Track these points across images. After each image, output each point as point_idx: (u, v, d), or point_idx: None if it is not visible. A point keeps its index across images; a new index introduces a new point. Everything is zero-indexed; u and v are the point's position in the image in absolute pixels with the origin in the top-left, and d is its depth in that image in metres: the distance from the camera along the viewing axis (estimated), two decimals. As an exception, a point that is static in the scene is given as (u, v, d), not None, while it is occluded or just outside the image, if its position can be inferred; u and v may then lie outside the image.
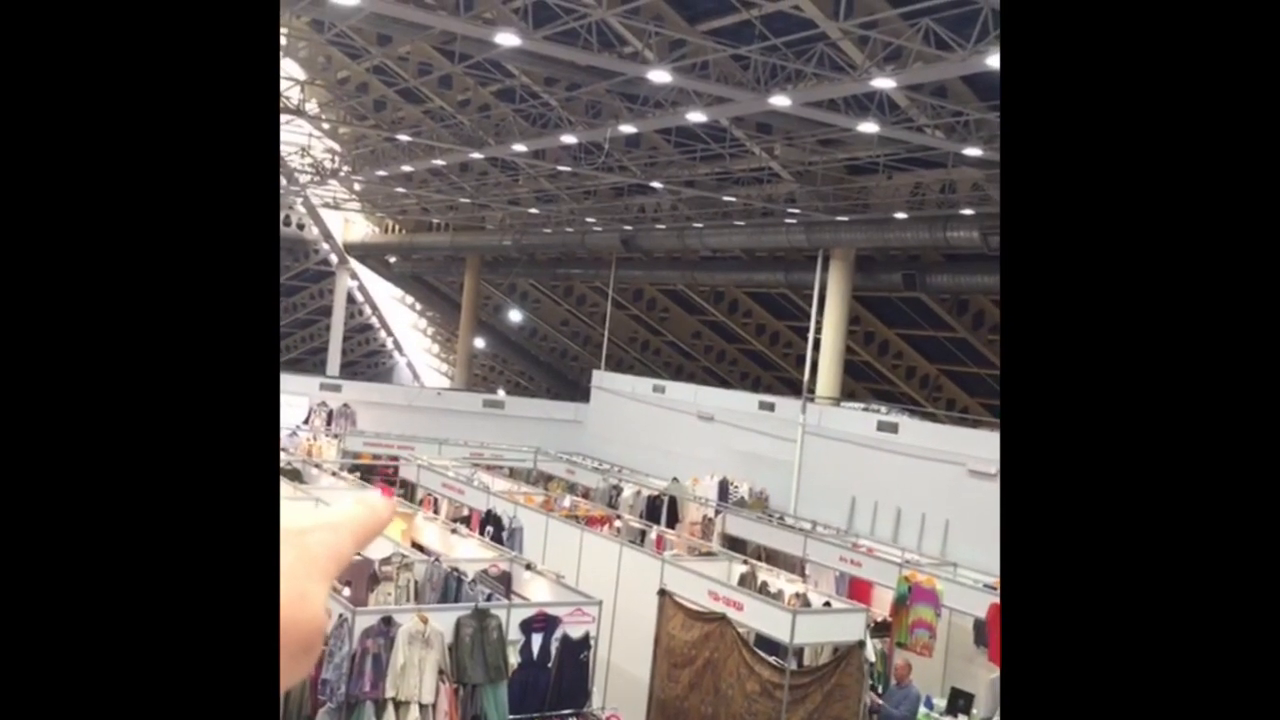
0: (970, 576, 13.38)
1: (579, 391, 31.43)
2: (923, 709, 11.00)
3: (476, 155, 21.89)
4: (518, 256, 33.87)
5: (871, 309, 27.31)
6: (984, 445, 17.56)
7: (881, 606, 12.88)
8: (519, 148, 19.57)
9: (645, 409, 25.24)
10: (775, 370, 33.02)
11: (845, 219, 20.65)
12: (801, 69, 13.03)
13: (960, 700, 11.41)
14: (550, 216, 27.97)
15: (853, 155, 18.56)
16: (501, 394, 35.04)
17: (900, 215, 19.43)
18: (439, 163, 24.05)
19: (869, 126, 14.68)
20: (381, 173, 25.98)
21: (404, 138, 21.73)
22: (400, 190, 29.12)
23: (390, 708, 7.81)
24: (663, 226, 25.54)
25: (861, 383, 29.61)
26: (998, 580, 12.94)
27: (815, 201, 20.38)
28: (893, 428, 18.91)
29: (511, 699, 8.39)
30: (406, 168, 24.61)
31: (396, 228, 37.94)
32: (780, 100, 13.48)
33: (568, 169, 21.19)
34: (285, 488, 14.04)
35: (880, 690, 11.13)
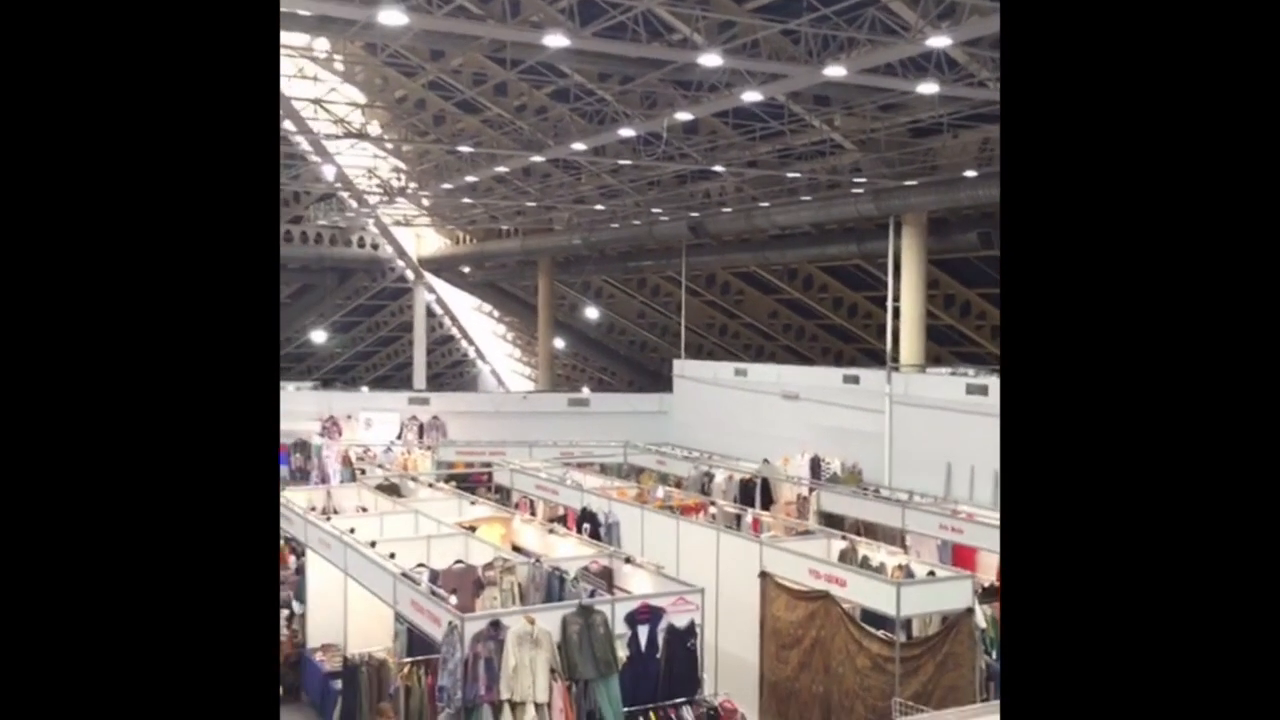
0: (1077, 533, 13.08)
1: (661, 382, 31.48)
2: (1039, 671, 10.80)
3: (538, 158, 22.06)
4: (588, 254, 34.04)
5: (949, 271, 26.82)
6: (1079, 398, 17.15)
7: (988, 572, 12.67)
8: (579, 146, 19.67)
9: (729, 393, 25.18)
10: (857, 343, 32.64)
11: (914, 183, 20.31)
12: (854, 36, 12.84)
13: (1078, 660, 11.16)
14: (616, 211, 28.05)
15: (915, 118, 18.23)
16: (586, 392, 35.28)
17: (970, 173, 19.03)
18: (502, 169, 24.30)
19: (929, 87, 14.41)
20: (447, 185, 26.34)
21: (465, 149, 22.00)
22: (467, 200, 29.49)
23: (507, 709, 7.94)
24: (729, 209, 25.42)
25: (946, 347, 29.11)
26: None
27: (881, 169, 20.08)
28: (983, 389, 18.55)
29: (624, 691, 8.46)
30: (471, 178, 24.92)
31: (467, 238, 38.43)
32: (835, 70, 13.31)
33: (629, 162, 21.22)
34: (385, 503, 14.36)
35: (995, 655, 10.97)
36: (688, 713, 8.56)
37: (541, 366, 37.47)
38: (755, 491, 18.03)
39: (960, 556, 13.53)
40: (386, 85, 23.74)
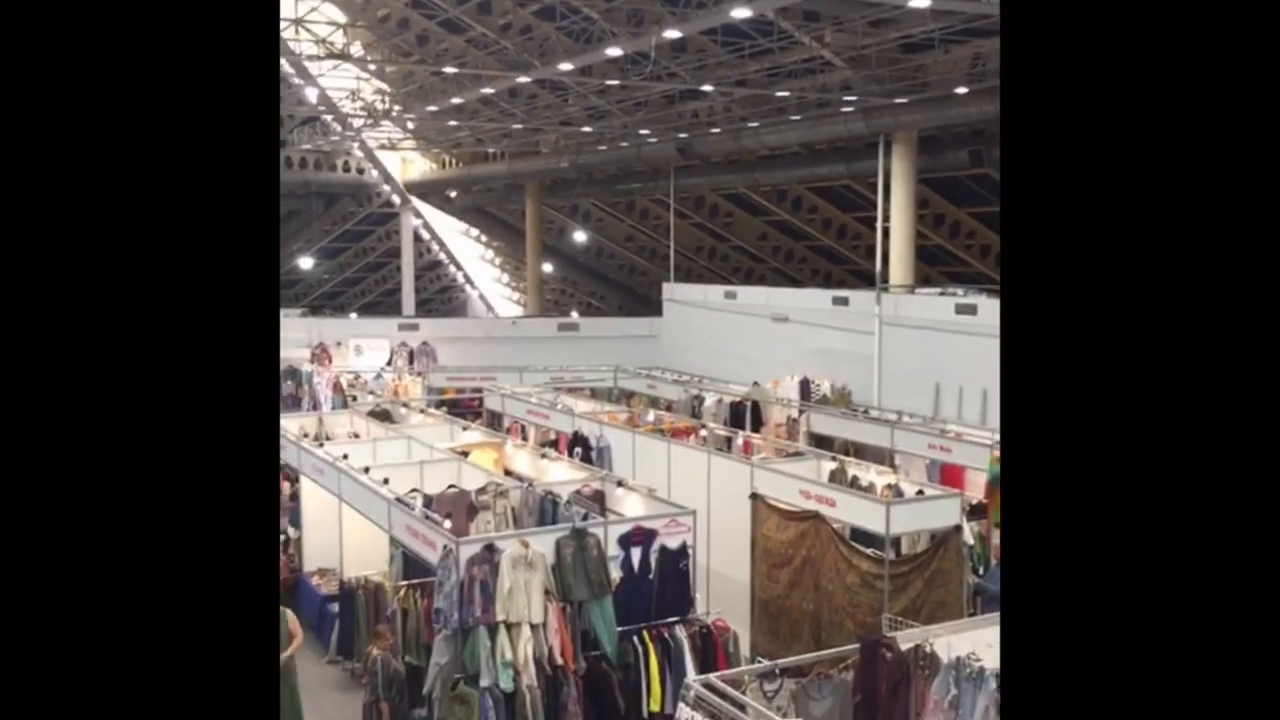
0: (1064, 451, 13.21)
1: (651, 306, 31.45)
2: (1026, 587, 10.99)
3: (524, 79, 21.67)
4: (576, 177, 33.68)
5: (939, 190, 26.64)
6: (1068, 318, 17.18)
7: (975, 490, 12.84)
8: (565, 66, 19.31)
9: (719, 316, 25.17)
10: (846, 264, 32.56)
11: (904, 100, 20.04)
12: (846, -51, 12.55)
13: (1063, 575, 11.36)
14: (604, 133, 27.67)
15: (906, 33, 17.90)
16: (575, 316, 35.22)
17: (961, 90, 18.78)
18: (487, 91, 23.88)
19: (920, 1, 14.13)
20: (432, 107, 25.91)
21: (450, 69, 21.58)
22: (453, 123, 29.04)
23: (503, 630, 8.06)
24: (718, 130, 25.10)
25: (936, 267, 29.06)
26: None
27: (871, 86, 19.79)
28: (971, 309, 18.57)
29: (617, 611, 8.59)
30: (456, 100, 24.50)
31: (453, 162, 37.96)
32: (826, -15, 13.02)
33: (616, 82, 20.87)
34: (377, 428, 14.39)
35: (981, 572, 11.15)
36: (680, 631, 8.71)
37: (530, 291, 37.34)
38: (745, 414, 18.13)
39: (948, 475, 13.68)
40: (369, 4, 23.18)
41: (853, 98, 20.42)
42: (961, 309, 18.77)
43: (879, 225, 22.17)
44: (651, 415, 16.95)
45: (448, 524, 9.14)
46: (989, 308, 18.73)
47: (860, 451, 15.01)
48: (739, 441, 14.90)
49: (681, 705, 5.72)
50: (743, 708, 5.59)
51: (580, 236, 40.43)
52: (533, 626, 8.15)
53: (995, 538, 11.71)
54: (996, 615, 7.59)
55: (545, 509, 10.00)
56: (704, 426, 16.02)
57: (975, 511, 12.08)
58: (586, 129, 27.17)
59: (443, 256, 45.54)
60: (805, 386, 19.99)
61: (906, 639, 6.49)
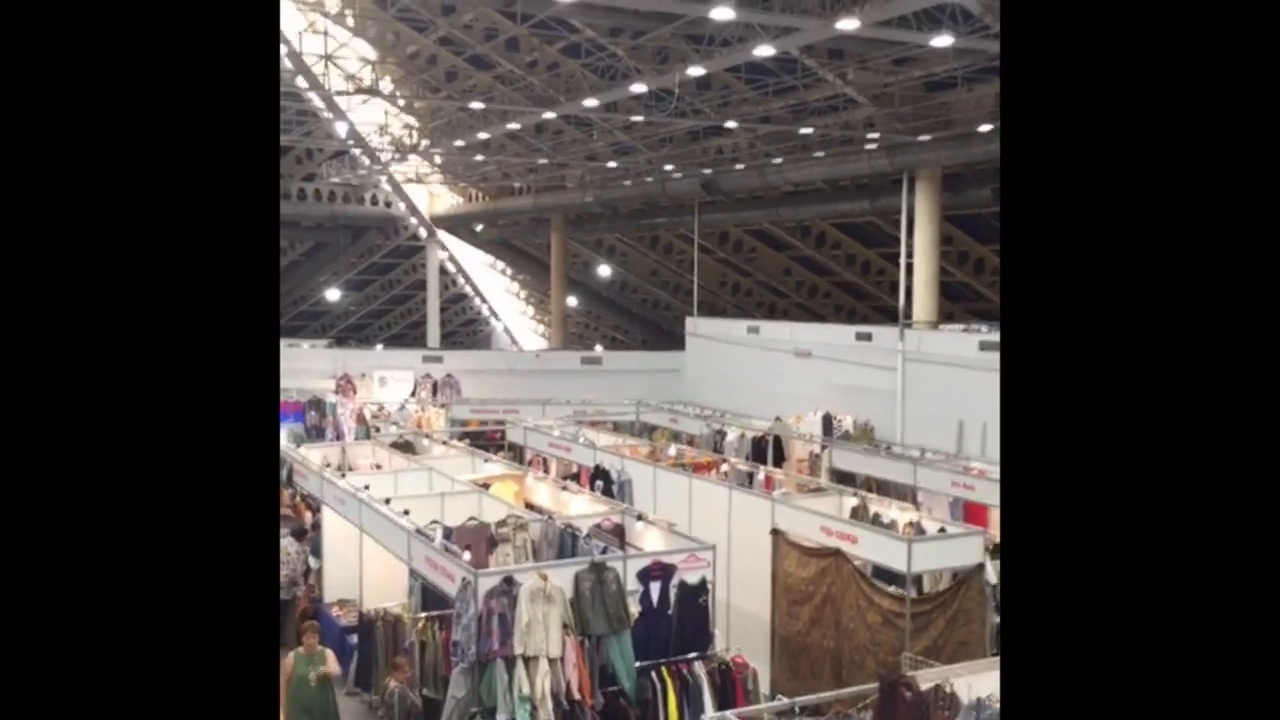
0: (1089, 490, 13.09)
1: (674, 340, 31.47)
2: (1050, 627, 10.87)
3: (550, 115, 21.89)
4: (601, 211, 33.90)
5: (963, 227, 26.61)
6: (1093, 355, 17.07)
7: (999, 528, 12.71)
8: (591, 102, 19.51)
9: (742, 351, 25.16)
10: (870, 300, 32.51)
11: (927, 138, 20.09)
12: (868, -11, 12.66)
13: (1088, 616, 11.23)
14: (629, 168, 27.87)
15: (929, 71, 18.00)
16: (599, 350, 35.31)
17: (985, 128, 18.80)
18: (514, 126, 24.13)
19: (943, 40, 14.21)
20: (459, 142, 26.21)
21: (477, 105, 21.85)
22: (479, 158, 29.35)
23: (520, 663, 8.03)
24: (742, 166, 25.23)
25: (960, 303, 28.97)
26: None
27: (895, 124, 19.87)
28: (995, 346, 18.47)
29: (636, 647, 8.55)
30: (483, 134, 24.77)
31: (480, 195, 38.30)
32: (848, 23, 13.12)
33: (641, 118, 21.05)
34: (399, 460, 14.46)
35: (1004, 612, 11.03)
36: (699, 667, 8.65)
37: (554, 324, 37.48)
38: (767, 449, 18.07)
39: (971, 513, 13.57)
40: (398, 41, 23.54)
41: (876, 135, 20.50)
42: (985, 346, 18.68)
43: (902, 261, 22.15)
44: (673, 449, 16.94)
45: (467, 556, 9.15)
46: (1013, 345, 18.62)
47: (883, 488, 14.93)
48: (760, 477, 14.85)
49: (697, 742, 5.68)
50: (759, 745, 5.55)
51: (604, 270, 40.60)
52: (550, 661, 8.12)
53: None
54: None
55: (565, 542, 9.99)
56: (725, 461, 15.99)
57: (999, 550, 11.97)
58: (611, 164, 27.39)
59: (468, 289, 45.85)
60: (828, 422, 19.93)
61: (926, 679, 6.43)
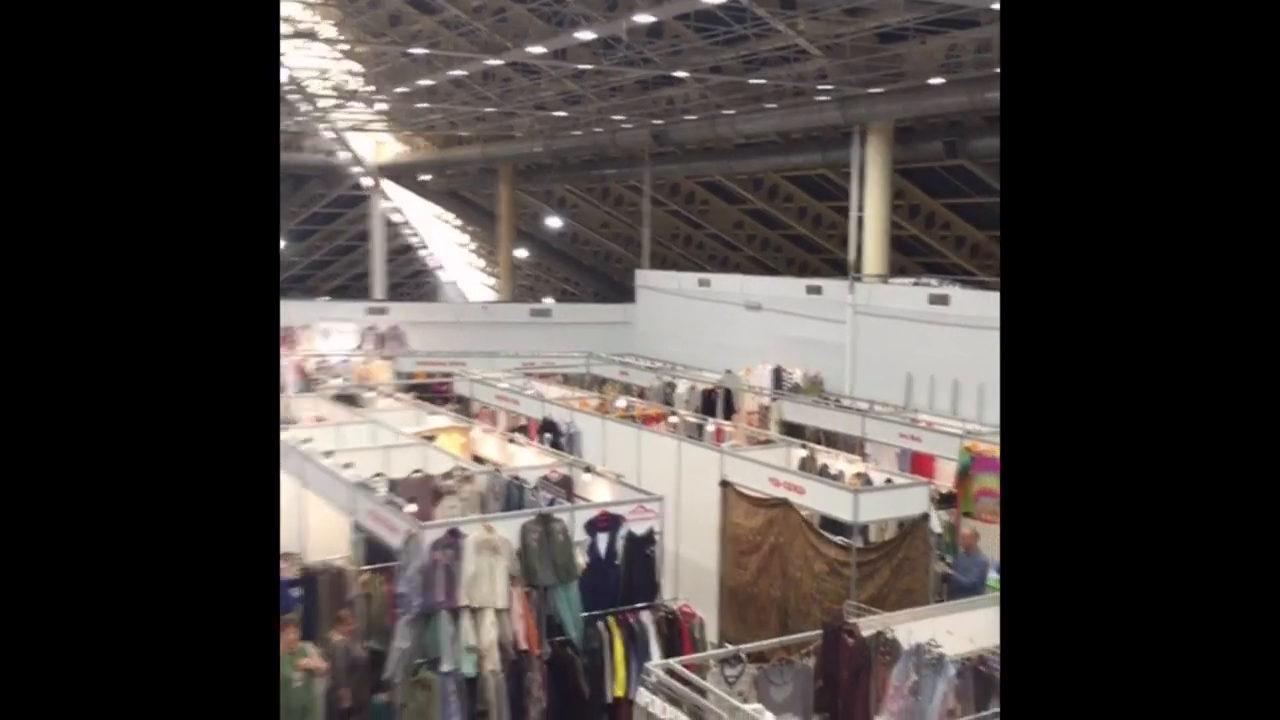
0: (1032, 441, 13.25)
1: (625, 293, 31.32)
2: (992, 574, 11.03)
3: (496, 61, 21.50)
4: (550, 162, 33.50)
5: (914, 181, 26.68)
6: (1038, 308, 17.24)
7: (945, 479, 12.85)
8: (538, 49, 19.15)
9: (693, 304, 25.11)
10: (821, 253, 32.59)
11: (880, 90, 20.02)
12: (821, -66, 12.48)
13: (1029, 564, 11.41)
14: (578, 118, 27.52)
15: (882, 22, 17.88)
16: (548, 302, 35.08)
17: (936, 81, 18.77)
18: (460, 73, 23.68)
19: (897, -11, 14.10)
20: (403, 89, 25.66)
21: (422, 50, 21.35)
22: (424, 105, 28.79)
23: (466, 615, 7.97)
24: (693, 117, 25.01)
25: (911, 257, 29.14)
26: (1060, 442, 12.82)
27: (847, 75, 19.75)
28: (944, 300, 18.61)
29: (583, 597, 8.52)
30: (428, 81, 24.28)
31: (426, 145, 37.65)
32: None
33: (590, 67, 20.72)
34: (342, 413, 14.24)
35: (949, 560, 11.17)
36: (646, 617, 8.64)
37: (503, 276, 37.14)
38: (717, 401, 18.09)
39: (918, 464, 13.70)
40: (339, -17, 22.92)
41: (828, 87, 20.38)
42: (935, 299, 18.80)
43: (853, 215, 22.16)
44: (623, 402, 16.88)
45: (412, 508, 9.03)
46: (962, 299, 18.78)
47: (831, 440, 15.00)
48: (710, 429, 14.85)
49: (641, 690, 5.67)
50: (703, 692, 5.55)
51: (555, 222, 40.25)
52: (497, 612, 8.07)
53: (964, 526, 11.74)
54: (957, 603, 7.60)
55: (511, 494, 9.91)
56: (675, 413, 15.97)
57: (944, 500, 12.10)
58: (561, 113, 27.02)
59: (415, 240, 45.23)
60: (778, 374, 19.98)
61: (868, 626, 6.46)
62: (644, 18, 16.58)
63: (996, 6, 14.69)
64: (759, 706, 5.53)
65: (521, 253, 39.70)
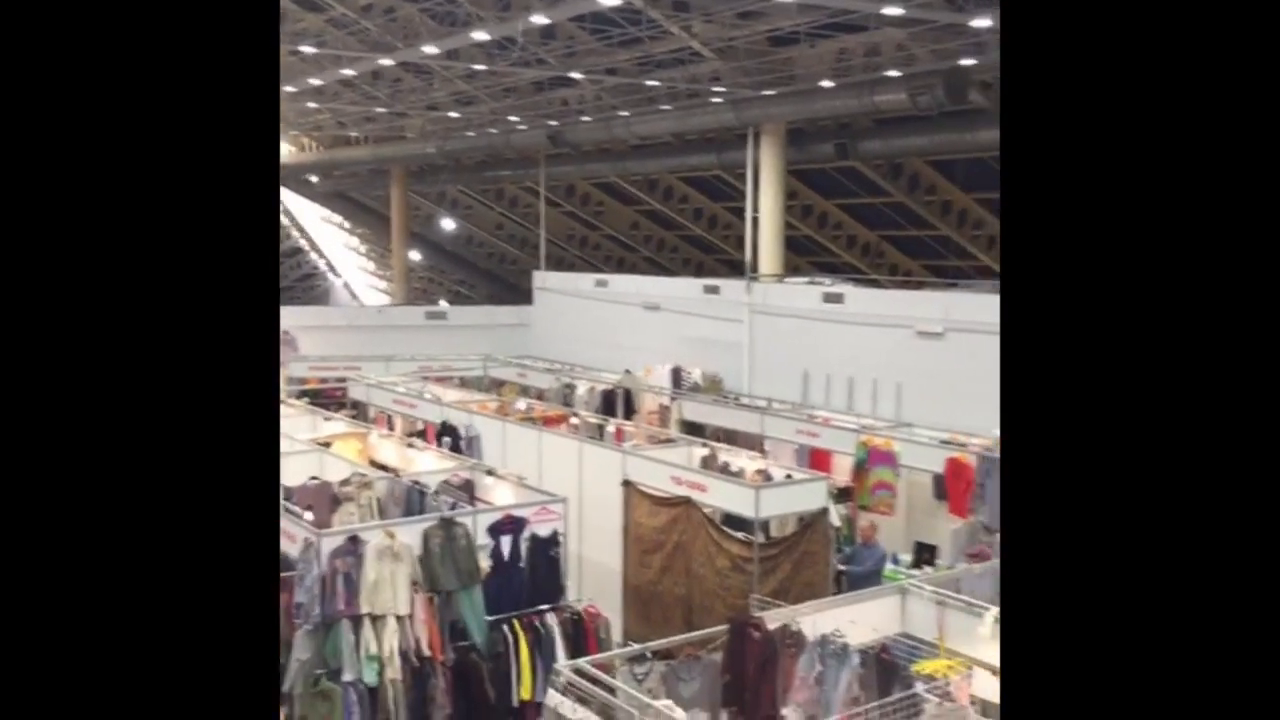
0: (926, 434, 13.63)
1: (521, 294, 31.16)
2: (890, 565, 11.30)
3: (387, 61, 21.12)
4: (443, 163, 33.10)
5: (807, 182, 27.17)
6: (929, 306, 17.73)
7: (842, 473, 13.11)
8: (430, 49, 18.89)
9: (590, 305, 25.11)
10: (717, 253, 32.94)
11: (772, 93, 20.32)
12: (714, -63, 12.61)
13: (924, 553, 11.72)
14: (472, 119, 27.24)
15: (774, 26, 18.15)
16: (444, 305, 34.67)
17: (827, 84, 19.15)
18: (349, 73, 23.20)
19: (788, -8, 14.32)
20: (290, 88, 25.02)
21: (309, 49, 20.85)
22: (312, 105, 28.13)
23: (367, 623, 7.81)
24: (588, 118, 25.00)
25: (804, 257, 29.66)
26: (952, 435, 13.20)
27: (740, 78, 20.00)
28: (838, 298, 18.99)
29: (487, 601, 8.43)
30: (315, 80, 23.72)
31: (314, 145, 36.82)
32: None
33: (483, 67, 20.54)
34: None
35: (847, 552, 11.40)
36: (551, 619, 8.60)
37: (397, 279, 36.55)
38: (618, 402, 18.12)
39: (816, 460, 13.94)
40: (222, -21, 22.21)
41: (722, 89, 20.60)
42: (829, 298, 19.17)
43: (748, 215, 22.45)
44: (522, 404, 16.77)
45: (309, 516, 8.81)
46: (855, 296, 19.20)
47: (731, 438, 15.16)
48: (611, 429, 14.86)
49: (550, 691, 5.63)
50: (612, 691, 5.54)
51: (448, 224, 39.79)
52: (399, 619, 7.92)
53: (861, 519, 11.99)
54: (858, 593, 7.76)
55: (412, 499, 9.74)
56: (576, 414, 15.94)
57: (842, 494, 12.35)
58: (454, 114, 26.71)
59: (303, 243, 44.20)
60: (677, 374, 20.11)
61: (774, 619, 6.54)
62: (538, 18, 16.50)
63: (885, 11, 15.06)
64: (669, 703, 5.55)
65: (415, 255, 39.14)
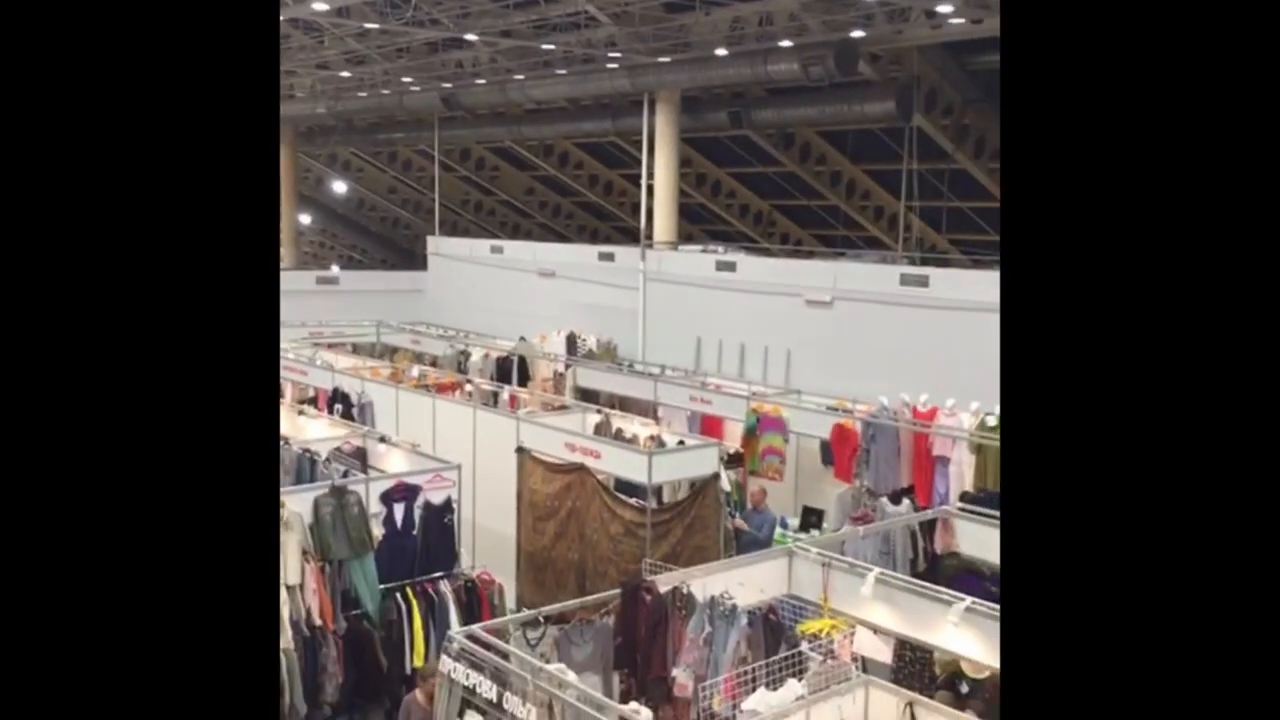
0: (814, 401, 13.98)
1: (416, 260, 30.73)
2: (779, 529, 11.60)
3: (275, 17, 20.44)
4: (334, 124, 32.25)
5: (701, 150, 27.35)
6: (819, 275, 18.11)
7: (733, 439, 13.38)
8: (320, 5, 18.36)
9: (485, 271, 24.92)
10: (612, 220, 32.95)
11: (667, 60, 20.36)
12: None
13: (812, 516, 12.07)
14: (364, 79, 26.59)
15: (670, -8, 18.18)
16: (335, 270, 33.95)
17: (721, 52, 19.27)
18: (235, 28, 22.38)
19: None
20: (172, 43, 24.05)
21: (192, 3, 20.06)
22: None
23: (256, 594, 7.72)
24: (483, 81, 24.66)
25: (698, 225, 29.90)
26: (839, 402, 13.58)
27: (636, 44, 19.98)
28: (731, 266, 19.26)
29: (380, 568, 8.41)
30: (199, 36, 22.83)
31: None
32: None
33: (375, 26, 20.06)
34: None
35: (737, 515, 11.66)
36: (445, 586, 8.63)
37: (286, 244, 35.55)
38: (512, 369, 18.08)
39: (708, 426, 14.19)
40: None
41: (618, 54, 20.55)
42: (722, 266, 19.42)
43: (643, 183, 22.52)
44: (416, 370, 16.61)
45: (194, 486, 8.63)
46: (747, 265, 19.49)
47: (625, 404, 15.30)
48: (505, 396, 14.85)
49: (444, 657, 5.67)
50: (506, 656, 5.61)
51: (340, 187, 38.86)
52: (289, 588, 7.85)
53: (752, 484, 12.26)
54: (747, 556, 7.98)
55: (303, 467, 9.61)
56: (470, 381, 15.86)
57: (733, 460, 12.59)
58: (345, 74, 26.04)
59: (188, 205, 42.67)
60: (571, 341, 20.15)
61: (666, 582, 6.70)
62: (431, -22, 16.20)
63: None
64: (561, 666, 5.65)
65: (305, 219, 38.14)
